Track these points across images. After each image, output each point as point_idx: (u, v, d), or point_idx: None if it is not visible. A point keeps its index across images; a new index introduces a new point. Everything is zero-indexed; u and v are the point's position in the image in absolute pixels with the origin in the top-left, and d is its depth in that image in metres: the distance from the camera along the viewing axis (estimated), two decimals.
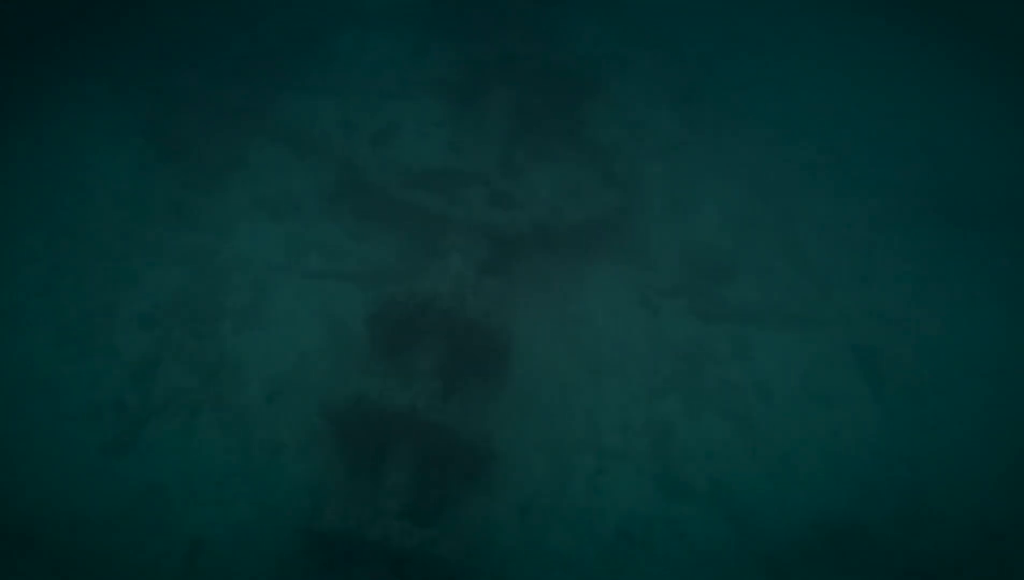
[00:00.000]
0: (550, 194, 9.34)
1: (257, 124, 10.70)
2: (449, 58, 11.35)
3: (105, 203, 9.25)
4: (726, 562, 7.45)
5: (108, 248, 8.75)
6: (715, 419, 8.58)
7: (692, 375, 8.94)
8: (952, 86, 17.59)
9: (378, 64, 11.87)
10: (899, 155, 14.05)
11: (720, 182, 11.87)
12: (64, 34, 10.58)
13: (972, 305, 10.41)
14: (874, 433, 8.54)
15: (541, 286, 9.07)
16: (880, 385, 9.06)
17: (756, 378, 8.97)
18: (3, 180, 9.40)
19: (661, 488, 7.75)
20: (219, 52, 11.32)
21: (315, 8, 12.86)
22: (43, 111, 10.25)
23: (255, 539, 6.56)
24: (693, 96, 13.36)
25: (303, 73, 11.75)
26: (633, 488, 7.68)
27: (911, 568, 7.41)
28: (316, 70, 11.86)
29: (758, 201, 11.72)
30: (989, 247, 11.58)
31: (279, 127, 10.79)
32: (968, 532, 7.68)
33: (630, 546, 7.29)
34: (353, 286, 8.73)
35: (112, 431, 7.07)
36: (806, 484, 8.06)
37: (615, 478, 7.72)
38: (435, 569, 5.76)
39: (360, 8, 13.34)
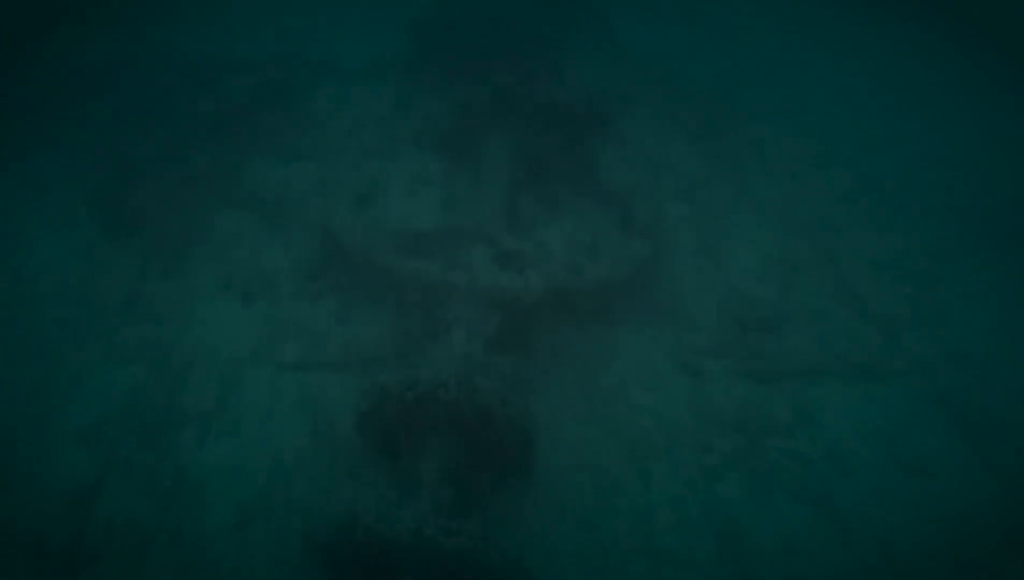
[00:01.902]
0: (565, 250, 8.35)
1: (224, 193, 9.86)
2: (436, 106, 10.62)
3: (46, 293, 8.26)
4: None
5: (47, 346, 7.68)
6: (787, 503, 7.29)
7: (751, 450, 7.71)
8: (985, 105, 17.10)
9: (358, 120, 11.16)
10: (937, 179, 13.32)
11: (752, 221, 11.01)
12: (1, 104, 9.91)
13: None
14: (989, 505, 7.24)
15: (564, 360, 7.96)
16: (980, 443, 7.83)
17: (828, 447, 7.74)
18: None
19: None
20: (181, 117, 10.61)
21: (287, 64, 12.30)
22: None
23: None
24: (709, 131, 12.71)
25: (276, 135, 11.04)
26: None
27: None
28: (290, 131, 11.15)
29: (797, 239, 10.82)
30: None
31: (250, 195, 9.95)
32: None
33: None
34: (339, 377, 7.60)
35: None
36: None
37: None
38: None
39: (335, 61, 12.82)
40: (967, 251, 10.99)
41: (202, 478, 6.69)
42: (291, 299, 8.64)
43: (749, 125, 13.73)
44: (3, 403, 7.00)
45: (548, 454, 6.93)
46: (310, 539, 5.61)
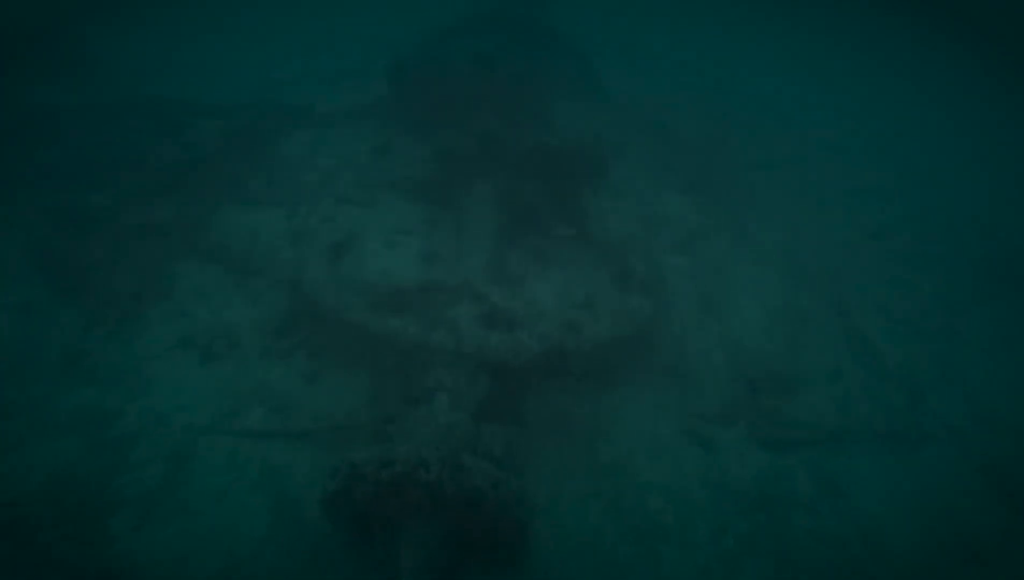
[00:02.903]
0: (558, 306, 7.80)
1: (187, 244, 9.25)
2: (417, 152, 10.23)
3: None
4: None
5: None
6: None
7: (772, 530, 7.02)
8: (988, 151, 17.29)
9: (334, 166, 10.71)
10: (942, 227, 13.13)
11: (754, 272, 10.60)
12: None
13: None
14: None
15: (561, 430, 7.29)
16: None
17: (859, 525, 7.07)
18: None
19: None
20: (143, 164, 10.07)
21: (261, 110, 11.93)
22: None
23: None
24: (703, 180, 12.46)
25: (245, 182, 10.53)
26: None
27: None
28: (261, 178, 10.65)
29: (802, 290, 10.40)
30: None
31: (214, 247, 9.35)
32: None
33: None
34: (306, 450, 6.85)
35: None
36: None
37: None
38: None
39: (312, 106, 12.49)
40: (983, 303, 10.65)
41: (139, 572, 5.83)
42: (257, 359, 7.96)
43: (744, 173, 13.57)
44: None
45: (544, 539, 6.20)
46: None
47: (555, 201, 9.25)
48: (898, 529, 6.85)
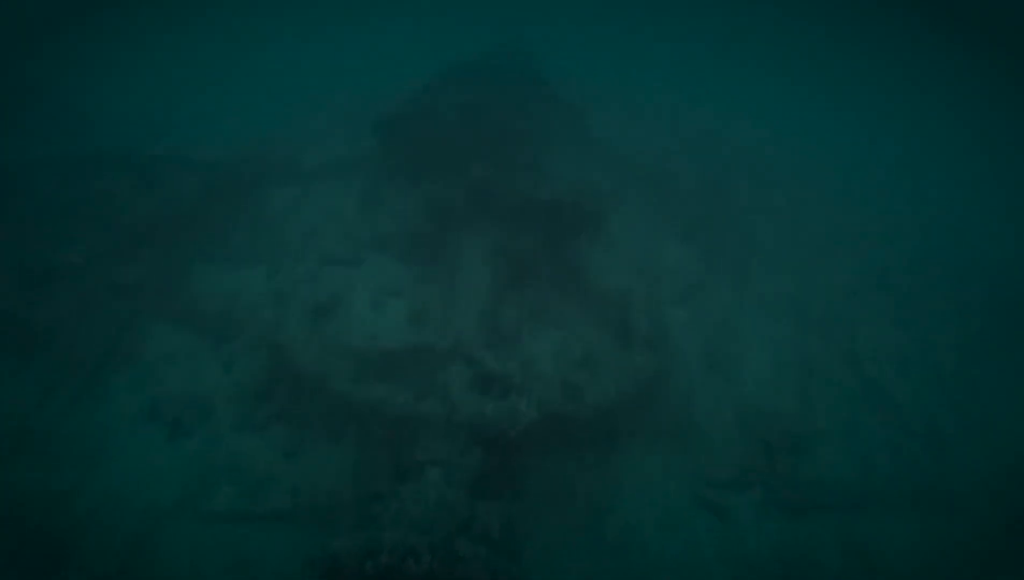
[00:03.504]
0: (557, 367, 7.38)
1: (158, 305, 8.82)
2: (406, 206, 9.95)
3: None
4: None
5: None
6: None
7: None
8: (990, 190, 17.34)
9: (318, 222, 10.39)
10: (946, 270, 12.91)
11: (759, 323, 10.26)
12: None
13: None
14: None
15: (563, 502, 6.77)
16: None
17: None
18: None
19: None
20: (117, 220, 9.68)
21: (243, 164, 11.68)
22: None
23: None
24: (702, 228, 12.24)
25: (225, 239, 10.18)
26: None
27: None
28: (241, 234, 10.31)
29: (810, 340, 10.04)
30: None
31: (189, 307, 8.92)
32: None
33: None
34: (282, 536, 6.28)
35: None
36: None
37: None
38: None
39: (296, 160, 12.28)
40: (997, 346, 10.34)
41: None
42: (230, 430, 7.45)
43: (743, 219, 13.40)
44: None
45: None
46: None
47: (550, 254, 8.95)
48: None
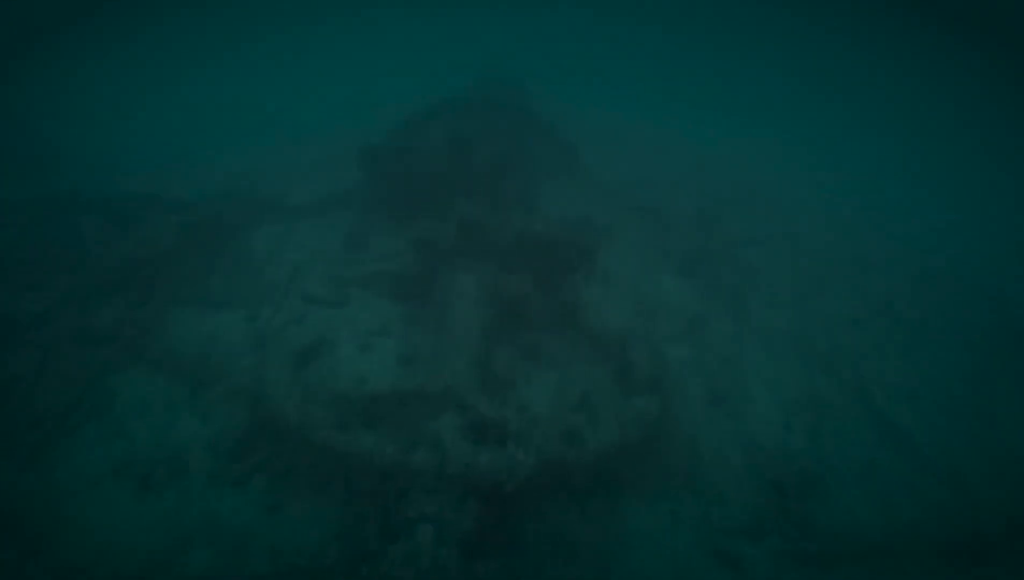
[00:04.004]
0: (555, 411, 7.03)
1: (132, 353, 8.42)
2: (394, 244, 9.68)
3: None
4: None
5: None
6: None
7: None
8: (989, 216, 17.35)
9: (302, 262, 10.07)
10: (949, 296, 12.76)
11: (762, 359, 9.97)
12: None
13: None
14: None
15: (566, 558, 6.35)
16: None
17: None
18: None
19: None
20: (89, 262, 9.35)
21: (225, 203, 11.42)
22: None
23: None
24: (698, 261, 12.06)
25: (204, 280, 9.84)
26: None
27: None
28: (221, 276, 9.99)
29: (816, 375, 9.76)
30: None
31: (164, 353, 8.52)
32: None
33: None
34: None
35: None
36: None
37: None
38: None
39: (280, 198, 12.04)
40: (1008, 375, 10.08)
41: None
42: (206, 486, 6.99)
43: (740, 251, 13.24)
44: None
45: None
46: None
47: (543, 292, 8.68)
48: None
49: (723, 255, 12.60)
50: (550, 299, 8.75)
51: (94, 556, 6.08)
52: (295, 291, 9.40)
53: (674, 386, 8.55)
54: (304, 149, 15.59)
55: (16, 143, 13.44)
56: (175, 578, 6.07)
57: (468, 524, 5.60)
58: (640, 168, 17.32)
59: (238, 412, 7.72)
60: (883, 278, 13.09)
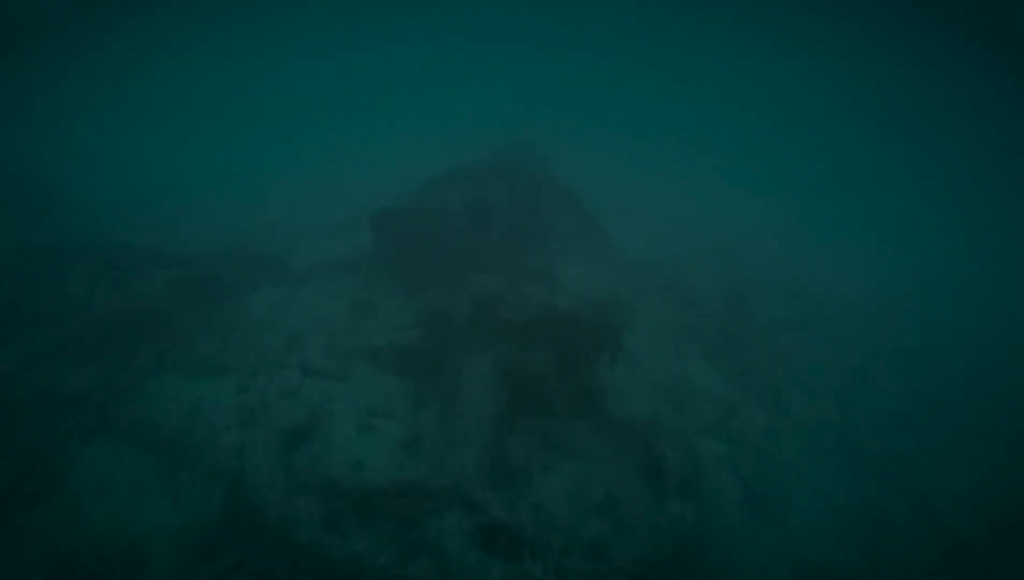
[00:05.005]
0: (576, 514, 6.21)
1: (101, 421, 7.73)
2: (402, 315, 9.06)
3: None
4: None
5: None
6: None
7: None
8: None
9: (302, 328, 9.48)
10: (1001, 391, 12.02)
11: (806, 459, 9.11)
12: None
13: None
14: None
15: None
16: None
17: None
18: None
19: None
20: (65, 320, 8.77)
21: (223, 259, 10.95)
22: None
23: None
24: (727, 344, 11.36)
25: (192, 344, 9.19)
26: None
27: None
28: (212, 339, 9.38)
29: (868, 480, 8.85)
30: None
31: (137, 424, 7.74)
32: None
33: None
34: None
35: None
36: None
37: None
38: None
39: (283, 257, 11.57)
40: None
41: None
42: None
43: (769, 334, 12.58)
44: None
45: None
46: None
47: (563, 374, 7.99)
48: None
49: (752, 338, 11.93)
50: (570, 382, 8.05)
51: None
52: (292, 360, 8.77)
53: (710, 487, 7.72)
54: (315, 208, 15.32)
55: (13, 190, 13.21)
56: None
57: None
58: (662, 241, 16.94)
59: (214, 498, 6.93)
60: (930, 371, 12.33)
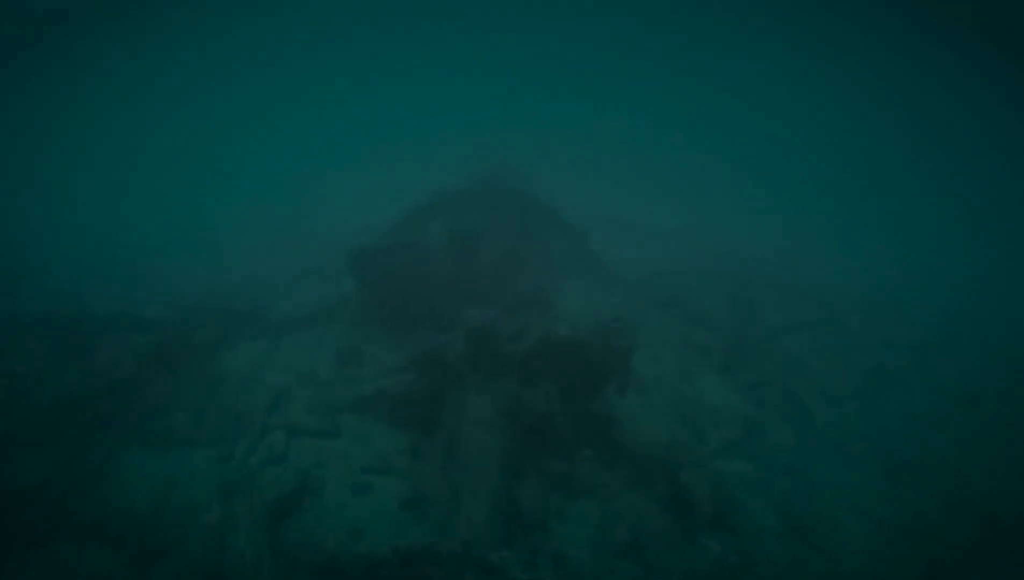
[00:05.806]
0: (603, 562, 5.65)
1: (59, 515, 7.01)
2: (392, 359, 8.56)
3: None
4: None
5: None
6: None
7: None
8: None
9: (286, 385, 8.93)
10: None
11: (840, 473, 8.49)
12: None
13: None
14: None
15: None
16: None
17: None
18: None
19: None
20: (24, 402, 8.14)
21: (201, 318, 10.42)
22: None
23: None
24: (738, 356, 10.82)
25: (165, 415, 8.54)
26: None
27: None
28: (186, 408, 8.75)
29: (912, 489, 8.30)
30: None
31: (105, 513, 7.09)
32: None
33: None
34: None
35: None
36: None
37: None
38: None
39: (264, 309, 11.02)
40: None
41: None
42: None
43: (779, 341, 12.11)
44: None
45: None
46: None
47: (571, 407, 7.46)
48: None
49: (762, 346, 11.45)
50: (579, 415, 7.52)
51: None
52: (277, 421, 8.19)
53: (741, 515, 7.15)
54: (289, 252, 14.83)
55: None
56: None
57: None
58: (655, 255, 16.56)
59: None
60: (952, 363, 11.86)
